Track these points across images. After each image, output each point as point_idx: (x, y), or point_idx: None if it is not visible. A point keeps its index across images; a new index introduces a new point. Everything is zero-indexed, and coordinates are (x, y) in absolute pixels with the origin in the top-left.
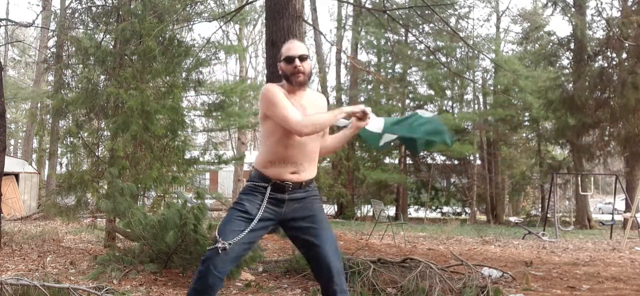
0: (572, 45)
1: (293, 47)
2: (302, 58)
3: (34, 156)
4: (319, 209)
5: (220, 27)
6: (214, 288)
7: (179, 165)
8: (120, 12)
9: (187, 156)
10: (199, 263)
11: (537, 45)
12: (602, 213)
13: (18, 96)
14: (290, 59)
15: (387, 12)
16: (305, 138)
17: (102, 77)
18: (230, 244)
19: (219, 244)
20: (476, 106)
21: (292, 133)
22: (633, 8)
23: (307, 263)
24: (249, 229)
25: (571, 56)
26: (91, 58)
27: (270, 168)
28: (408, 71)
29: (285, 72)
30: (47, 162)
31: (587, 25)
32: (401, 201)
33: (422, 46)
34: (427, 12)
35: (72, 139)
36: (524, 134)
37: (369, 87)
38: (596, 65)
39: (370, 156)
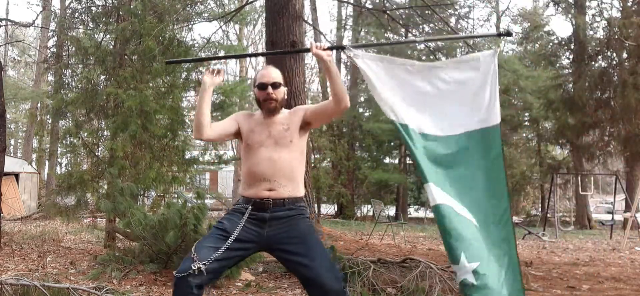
0: (572, 46)
1: (266, 74)
2: (275, 85)
3: (34, 156)
4: (306, 229)
5: (220, 27)
6: None
7: (179, 165)
8: (120, 12)
9: (187, 156)
10: (175, 277)
11: (537, 45)
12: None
13: (18, 96)
14: (263, 86)
15: (387, 12)
16: (273, 154)
17: (102, 77)
18: (205, 264)
19: (194, 266)
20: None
21: (255, 149)
22: (633, 8)
23: (303, 286)
24: (224, 247)
25: (571, 56)
26: (91, 58)
27: (248, 189)
28: None
29: (258, 98)
30: (47, 162)
31: (588, 25)
32: (401, 201)
33: (422, 46)
34: (427, 12)
35: (72, 139)
36: (524, 134)
37: None
38: (596, 65)
39: (370, 156)
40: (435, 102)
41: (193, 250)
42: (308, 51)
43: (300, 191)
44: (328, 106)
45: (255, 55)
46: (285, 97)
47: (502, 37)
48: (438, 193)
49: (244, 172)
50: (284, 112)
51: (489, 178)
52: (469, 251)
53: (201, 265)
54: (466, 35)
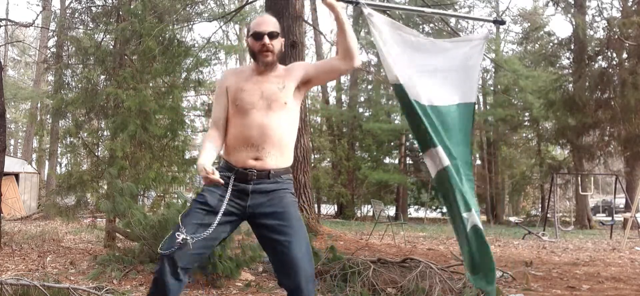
0: (572, 46)
1: (263, 22)
2: (272, 35)
3: (34, 156)
4: (290, 205)
5: (220, 27)
6: (170, 291)
7: (179, 165)
8: (120, 12)
9: (187, 156)
10: (159, 254)
11: (537, 45)
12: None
13: (18, 96)
14: (258, 36)
15: (387, 12)
16: (265, 119)
17: (102, 77)
18: (193, 239)
19: (180, 237)
20: (476, 106)
21: (246, 111)
22: (633, 8)
23: (273, 266)
24: (215, 224)
25: (571, 56)
26: (91, 58)
27: (232, 154)
28: None
29: (252, 49)
30: (47, 162)
31: (588, 25)
32: (401, 201)
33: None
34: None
35: (72, 139)
36: (524, 134)
37: (369, 87)
38: (597, 65)
39: (370, 156)
40: (436, 73)
41: (180, 223)
42: None
43: (288, 161)
44: (335, 63)
45: None
46: (283, 49)
47: (496, 24)
48: (444, 155)
49: (230, 134)
50: (280, 68)
51: (465, 146)
52: (472, 201)
53: (189, 238)
54: (467, 15)
